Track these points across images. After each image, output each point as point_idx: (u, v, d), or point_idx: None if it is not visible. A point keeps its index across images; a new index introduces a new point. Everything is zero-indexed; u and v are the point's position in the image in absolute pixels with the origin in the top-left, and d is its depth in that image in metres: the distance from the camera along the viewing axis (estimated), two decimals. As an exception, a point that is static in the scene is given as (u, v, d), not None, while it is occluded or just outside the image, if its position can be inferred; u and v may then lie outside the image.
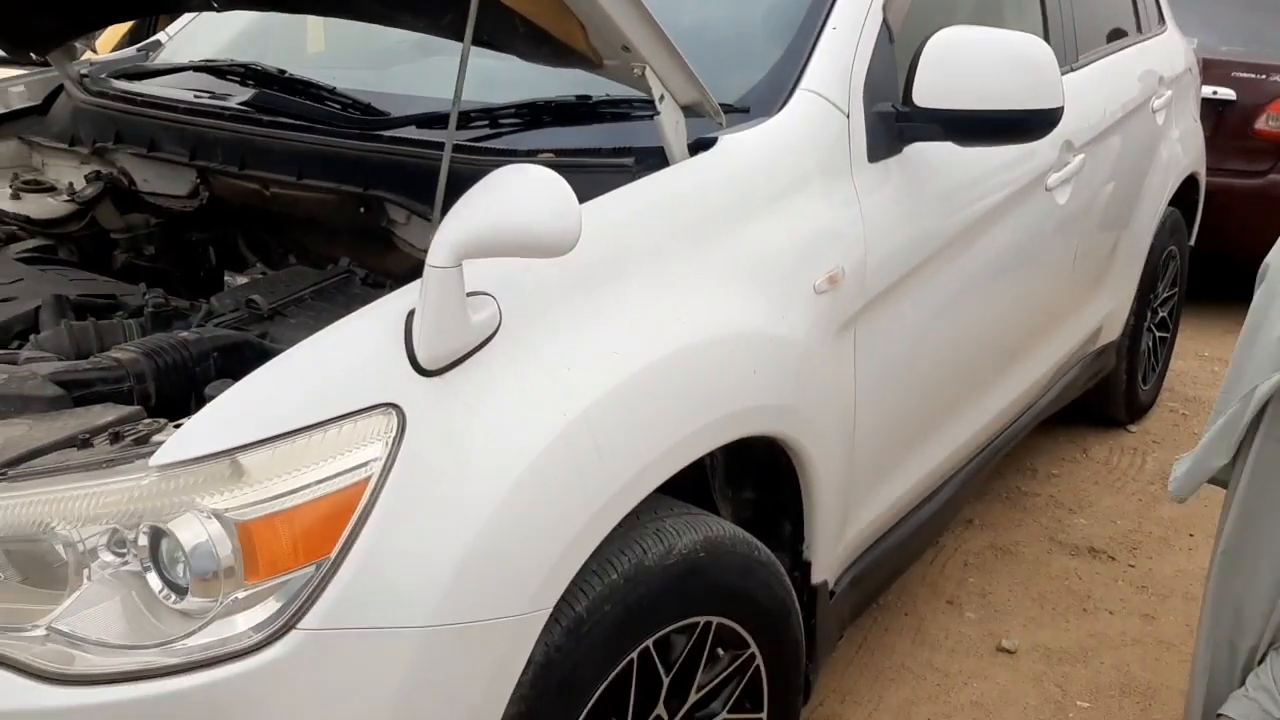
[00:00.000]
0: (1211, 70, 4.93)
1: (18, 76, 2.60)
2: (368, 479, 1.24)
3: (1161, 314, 3.97)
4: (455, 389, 1.32)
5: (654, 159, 1.75)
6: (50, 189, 2.38)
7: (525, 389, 1.38)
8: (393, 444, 1.26)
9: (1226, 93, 5.09)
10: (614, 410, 1.46)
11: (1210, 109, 4.90)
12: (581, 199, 1.60)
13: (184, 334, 1.60)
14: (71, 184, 2.34)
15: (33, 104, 2.58)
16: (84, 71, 2.54)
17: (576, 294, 1.49)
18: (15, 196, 2.33)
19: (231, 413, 1.24)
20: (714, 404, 1.63)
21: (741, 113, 1.92)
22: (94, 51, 2.91)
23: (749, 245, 1.77)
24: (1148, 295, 3.71)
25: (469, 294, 1.34)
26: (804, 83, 1.95)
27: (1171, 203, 3.76)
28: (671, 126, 1.73)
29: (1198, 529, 3.20)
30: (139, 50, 2.80)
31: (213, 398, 1.29)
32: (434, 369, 1.31)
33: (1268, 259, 2.02)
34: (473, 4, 1.54)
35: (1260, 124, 5.08)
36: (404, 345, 1.30)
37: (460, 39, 1.59)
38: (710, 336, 1.64)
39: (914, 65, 1.98)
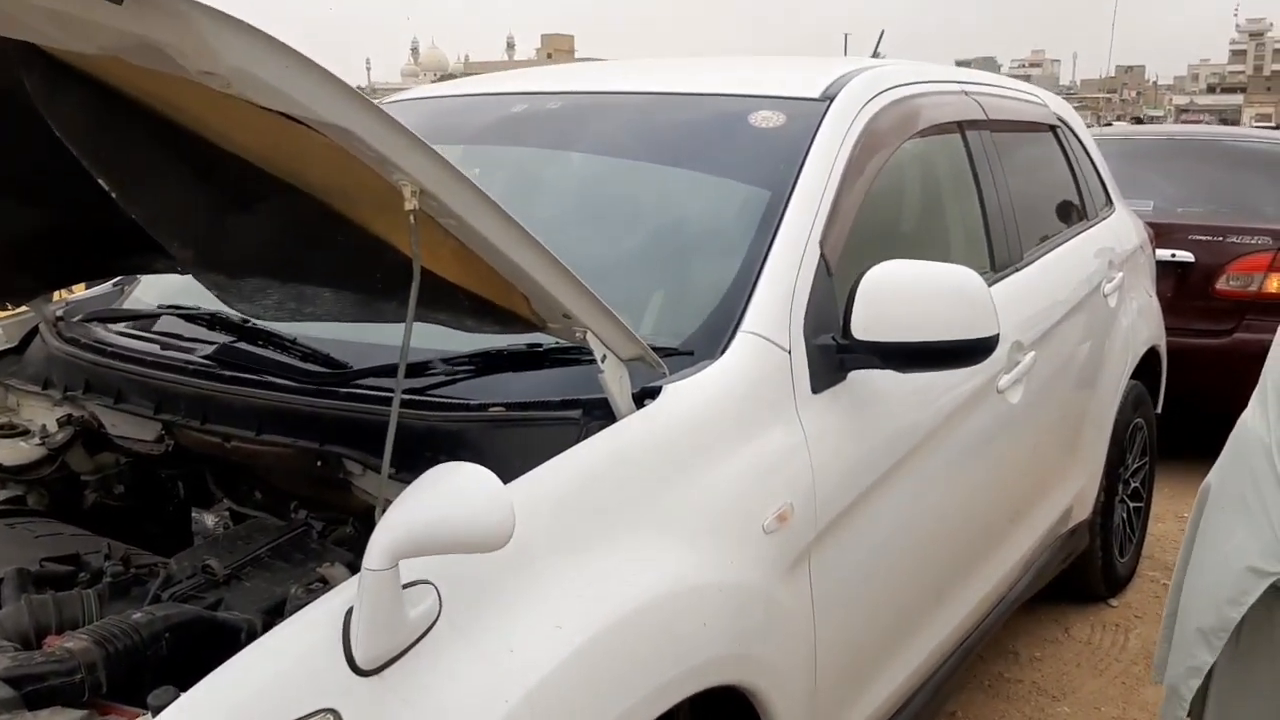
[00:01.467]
0: (1168, 234, 5.08)
1: (-7, 321, 2.68)
2: (305, 789, 1.25)
3: (1134, 484, 3.99)
4: (393, 686, 1.34)
5: (601, 410, 1.81)
6: (24, 432, 2.43)
7: (466, 678, 1.39)
8: (330, 751, 1.27)
9: (1185, 255, 5.23)
10: (558, 688, 1.47)
11: (1169, 271, 5.04)
12: (530, 453, 1.67)
13: (136, 616, 1.62)
14: (44, 425, 2.39)
15: (9, 345, 2.66)
16: (59, 313, 2.62)
17: (518, 571, 1.51)
18: (-12, 443, 2.38)
19: (170, 735, 1.25)
20: (664, 665, 1.64)
21: (686, 355, 1.99)
22: (70, 290, 3.00)
23: (695, 494, 1.81)
24: (1116, 469, 3.73)
25: (409, 583, 1.37)
26: (745, 325, 2.02)
27: (1134, 375, 3.83)
28: (615, 382, 1.79)
29: (1183, 715, 3.15)
30: (114, 285, 2.89)
31: (155, 707, 1.30)
32: (371, 669, 1.33)
33: (1208, 478, 2.06)
34: (414, 283, 1.60)
35: (1220, 284, 5.19)
36: (341, 646, 1.33)
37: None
38: (657, 595, 1.66)
39: (850, 301, 2.06)
